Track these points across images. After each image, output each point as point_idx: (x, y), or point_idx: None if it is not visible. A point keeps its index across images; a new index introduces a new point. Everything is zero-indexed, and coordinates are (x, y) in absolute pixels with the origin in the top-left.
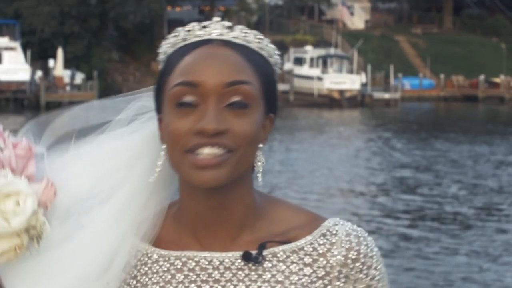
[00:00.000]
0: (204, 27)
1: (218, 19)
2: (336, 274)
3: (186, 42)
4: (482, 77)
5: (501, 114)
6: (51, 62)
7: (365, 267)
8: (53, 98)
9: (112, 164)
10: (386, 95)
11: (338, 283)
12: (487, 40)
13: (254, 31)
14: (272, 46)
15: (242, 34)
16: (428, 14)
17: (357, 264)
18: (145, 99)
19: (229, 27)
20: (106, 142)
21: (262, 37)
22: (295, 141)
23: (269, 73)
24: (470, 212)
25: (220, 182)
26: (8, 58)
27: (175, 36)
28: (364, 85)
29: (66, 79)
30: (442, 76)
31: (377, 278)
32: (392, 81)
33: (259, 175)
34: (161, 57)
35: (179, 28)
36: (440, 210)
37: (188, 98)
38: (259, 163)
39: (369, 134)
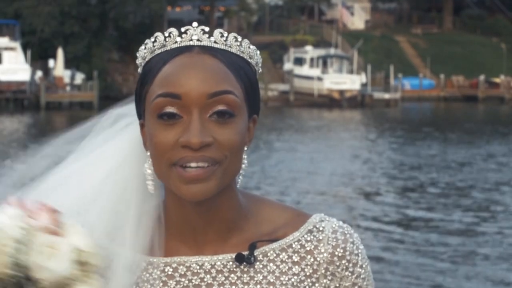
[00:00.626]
0: (183, 32)
1: (195, 24)
2: (323, 271)
3: (166, 49)
4: (482, 77)
5: (501, 114)
6: (51, 62)
7: (350, 265)
8: (53, 98)
9: (99, 174)
10: (386, 95)
11: (325, 280)
12: (487, 40)
13: (233, 33)
14: (253, 47)
15: (221, 39)
16: (428, 14)
17: (343, 262)
18: (120, 108)
19: (208, 32)
20: (88, 154)
21: (241, 39)
22: (295, 141)
23: (251, 76)
24: (470, 212)
25: (208, 195)
26: (8, 58)
27: (154, 41)
28: (364, 85)
29: (66, 79)
30: (442, 76)
31: (362, 276)
32: (392, 81)
33: (240, 177)
34: (139, 61)
35: (158, 33)
36: (440, 210)
37: (171, 109)
38: (243, 165)
39: (369, 134)
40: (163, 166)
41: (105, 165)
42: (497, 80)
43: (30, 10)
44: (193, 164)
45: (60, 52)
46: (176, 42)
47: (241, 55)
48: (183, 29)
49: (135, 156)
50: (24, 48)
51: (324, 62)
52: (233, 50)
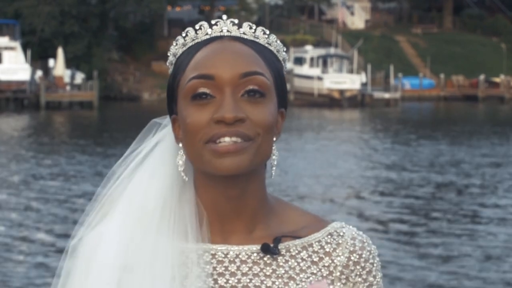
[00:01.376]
0: (213, 25)
1: (225, 16)
2: (338, 274)
3: (197, 41)
4: (482, 77)
5: (501, 114)
6: (51, 62)
7: (364, 272)
8: (53, 98)
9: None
10: (386, 95)
11: (339, 283)
12: (487, 40)
13: (261, 27)
14: (279, 42)
15: (250, 30)
16: (428, 14)
17: (358, 267)
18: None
19: (237, 24)
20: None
21: (269, 32)
22: (295, 141)
23: (279, 68)
24: (470, 212)
25: (241, 169)
26: (8, 58)
27: (185, 36)
28: (364, 85)
29: (66, 79)
30: (442, 76)
31: (374, 286)
32: (392, 81)
33: (274, 168)
34: (171, 59)
35: (189, 28)
36: (440, 211)
37: (204, 90)
38: (273, 157)
39: (369, 133)
40: (197, 146)
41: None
42: (497, 80)
43: (30, 10)
44: (227, 139)
45: (60, 52)
46: (207, 33)
47: (269, 47)
48: (213, 22)
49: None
50: (24, 47)
51: (324, 61)
52: (261, 41)
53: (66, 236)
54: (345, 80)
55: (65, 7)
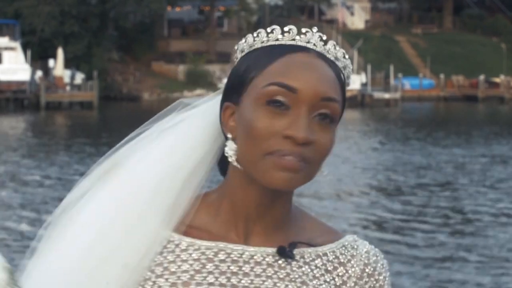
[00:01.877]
0: (302, 33)
1: (315, 29)
2: (352, 285)
3: (282, 43)
4: (482, 77)
5: (501, 114)
6: (51, 62)
7: (377, 285)
8: (53, 98)
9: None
10: (386, 95)
11: None
12: (487, 40)
13: (342, 49)
14: (351, 65)
15: (334, 51)
16: (428, 14)
17: (371, 279)
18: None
19: (324, 40)
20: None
21: (347, 57)
22: None
23: (345, 93)
24: (470, 212)
25: (294, 186)
26: (8, 58)
27: (269, 33)
28: (364, 85)
29: (66, 79)
30: (442, 76)
31: None
32: (392, 81)
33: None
34: (243, 46)
35: (275, 26)
36: (440, 211)
37: (282, 98)
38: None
39: (369, 134)
40: (257, 153)
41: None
42: (497, 80)
43: (30, 10)
44: (289, 158)
45: (60, 52)
46: (294, 39)
47: (344, 70)
48: (303, 30)
49: (194, 141)
50: (24, 48)
51: None
52: (339, 64)
53: None
54: None
55: (65, 7)
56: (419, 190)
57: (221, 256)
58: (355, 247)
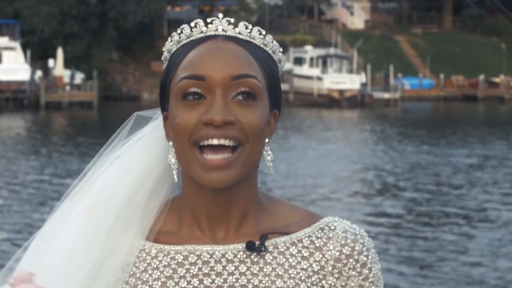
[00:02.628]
0: (208, 23)
1: (221, 15)
2: (330, 269)
3: (191, 38)
4: (482, 77)
5: (501, 114)
6: (51, 62)
7: (358, 265)
8: (53, 98)
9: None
10: (386, 95)
11: (331, 278)
12: (487, 40)
13: (257, 27)
14: (276, 43)
15: (246, 30)
16: (428, 14)
17: (350, 260)
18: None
19: (233, 23)
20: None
21: (265, 33)
22: (294, 141)
23: (273, 69)
24: (471, 212)
25: (228, 183)
26: (8, 58)
27: (180, 33)
28: (364, 85)
29: (66, 79)
30: (442, 76)
31: (370, 280)
32: (392, 81)
33: (271, 168)
34: (165, 55)
35: (184, 25)
36: (440, 211)
37: (194, 89)
38: (268, 157)
39: (368, 134)
40: (185, 147)
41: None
42: (497, 80)
43: (30, 10)
44: (215, 141)
45: (60, 52)
46: (202, 32)
47: (265, 48)
48: (209, 20)
49: (157, 151)
50: (24, 48)
51: (323, 62)
52: (257, 42)
53: None
54: (345, 80)
55: (65, 7)
56: (419, 190)
57: (191, 258)
58: (333, 228)
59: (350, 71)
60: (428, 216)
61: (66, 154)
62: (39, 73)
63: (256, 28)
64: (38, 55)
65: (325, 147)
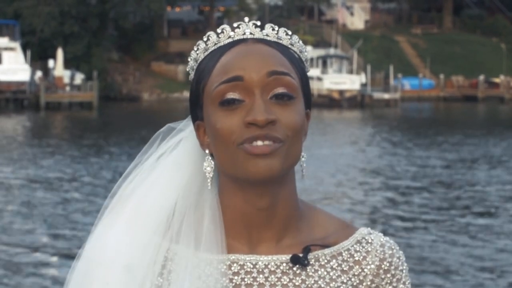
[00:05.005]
0: (235, 28)
1: (247, 19)
2: (368, 283)
3: (219, 45)
4: (482, 77)
5: (501, 114)
6: (51, 62)
7: (394, 279)
8: (53, 98)
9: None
10: (386, 95)
11: None
12: (487, 40)
13: (283, 28)
14: (301, 42)
15: (273, 32)
16: (428, 14)
17: (388, 275)
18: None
19: (259, 26)
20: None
21: (291, 33)
22: None
23: (303, 68)
24: (470, 212)
25: (273, 172)
26: (8, 58)
27: (206, 41)
28: (363, 85)
29: (66, 79)
30: (442, 76)
31: None
32: (391, 81)
33: (303, 169)
34: (191, 64)
35: (210, 32)
36: (440, 210)
37: (232, 95)
38: (303, 158)
39: (368, 134)
40: (230, 148)
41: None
42: (497, 80)
43: (30, 10)
44: (259, 142)
45: (60, 52)
46: (229, 37)
47: (292, 48)
48: (235, 25)
49: (193, 161)
50: (24, 48)
51: (323, 62)
52: (284, 42)
53: (64, 238)
54: (345, 80)
55: (65, 7)
56: (419, 191)
57: (234, 268)
58: (370, 241)
59: (350, 72)
60: (428, 216)
61: (66, 154)
62: (39, 74)
63: (282, 29)
64: (38, 56)
65: (325, 147)
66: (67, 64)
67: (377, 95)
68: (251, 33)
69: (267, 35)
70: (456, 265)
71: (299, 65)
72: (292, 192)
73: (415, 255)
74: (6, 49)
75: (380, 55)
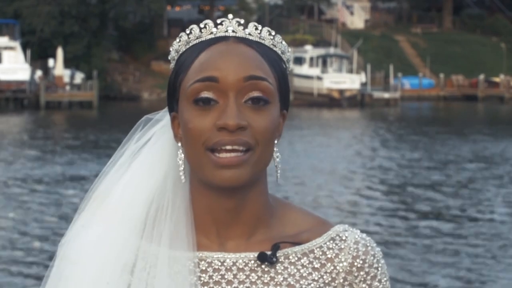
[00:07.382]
0: (218, 24)
1: (231, 16)
2: (341, 281)
3: (201, 39)
4: (482, 77)
5: (501, 113)
6: (51, 62)
7: (368, 277)
8: (53, 97)
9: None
10: (386, 95)
11: None
12: (487, 40)
13: (267, 28)
14: (284, 43)
15: (256, 31)
16: (428, 14)
17: (361, 273)
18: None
19: (242, 24)
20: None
21: (274, 33)
22: (295, 141)
23: (283, 70)
24: (470, 212)
25: (241, 182)
26: (8, 57)
27: (189, 33)
28: (364, 84)
29: (66, 79)
30: (442, 75)
31: None
32: (391, 80)
33: (279, 170)
34: (173, 55)
35: (193, 26)
36: (439, 211)
37: (207, 94)
38: (277, 159)
39: (368, 133)
40: (198, 152)
41: (147, 167)
42: (497, 79)
43: (29, 10)
44: (228, 147)
45: (59, 52)
46: (211, 33)
47: (274, 48)
48: (218, 21)
49: (169, 154)
50: (24, 47)
51: (323, 61)
52: (266, 43)
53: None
54: (345, 80)
55: (64, 7)
56: (419, 190)
57: (202, 266)
58: (344, 238)
59: (350, 71)
60: (427, 216)
61: (66, 153)
62: (39, 73)
63: (265, 29)
64: (38, 55)
65: (324, 147)
66: (67, 64)
67: (377, 94)
68: (233, 31)
69: (249, 34)
70: (456, 265)
71: (279, 67)
72: (262, 191)
73: (419, 254)
74: (6, 48)
75: (380, 54)
